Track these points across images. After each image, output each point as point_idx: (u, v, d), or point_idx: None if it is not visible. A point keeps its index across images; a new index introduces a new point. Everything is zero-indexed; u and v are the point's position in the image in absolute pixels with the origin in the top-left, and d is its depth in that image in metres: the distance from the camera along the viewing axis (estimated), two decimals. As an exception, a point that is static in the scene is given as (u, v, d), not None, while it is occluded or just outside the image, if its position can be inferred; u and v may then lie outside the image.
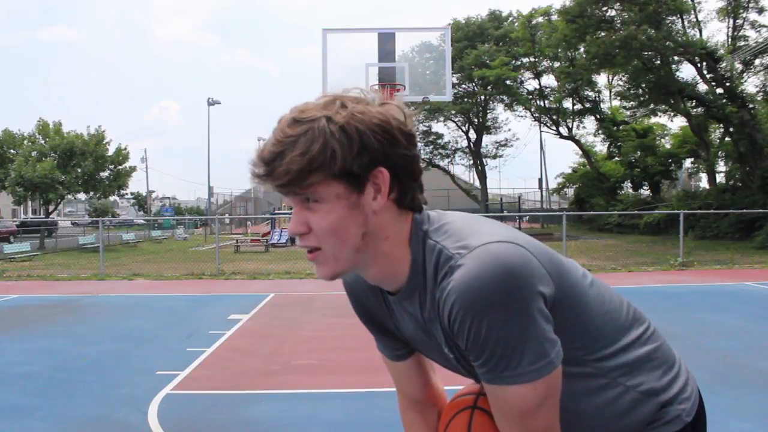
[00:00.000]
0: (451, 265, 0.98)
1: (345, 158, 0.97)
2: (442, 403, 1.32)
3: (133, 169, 29.90)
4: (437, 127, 38.69)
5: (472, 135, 38.23)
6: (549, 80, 35.94)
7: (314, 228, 1.00)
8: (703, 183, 34.46)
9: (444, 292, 0.98)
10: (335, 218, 1.00)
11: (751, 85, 33.04)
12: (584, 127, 38.05)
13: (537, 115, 36.59)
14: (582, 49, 27.05)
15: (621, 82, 31.94)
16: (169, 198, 75.80)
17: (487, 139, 39.02)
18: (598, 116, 35.74)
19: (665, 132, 35.95)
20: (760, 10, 23.41)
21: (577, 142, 36.89)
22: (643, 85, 26.69)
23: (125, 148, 28.99)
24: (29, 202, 42.29)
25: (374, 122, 0.99)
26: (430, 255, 1.03)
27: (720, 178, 28.76)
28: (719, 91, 23.89)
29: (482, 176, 38.45)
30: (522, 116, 37.92)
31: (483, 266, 0.95)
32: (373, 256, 1.04)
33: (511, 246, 0.98)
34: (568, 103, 35.62)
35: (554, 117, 35.80)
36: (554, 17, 29.36)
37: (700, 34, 24.29)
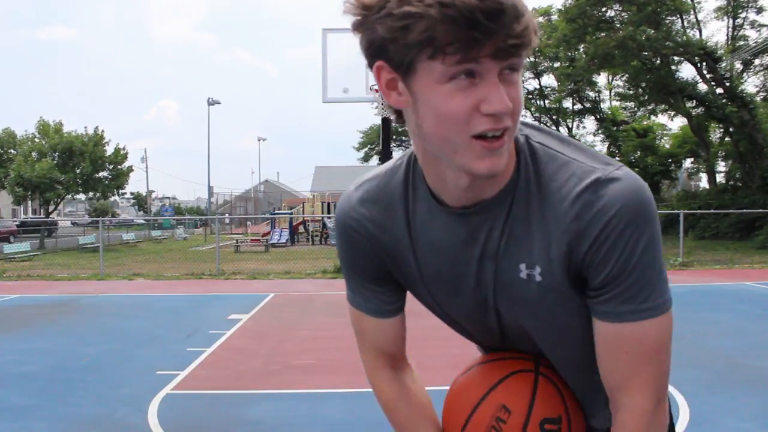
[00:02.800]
0: (599, 177, 0.88)
1: None
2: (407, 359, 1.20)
3: (130, 169, 29.93)
4: (437, 127, 38.73)
5: (472, 135, 38.25)
6: (549, 80, 35.97)
7: (515, 103, 0.84)
8: (703, 183, 34.51)
9: (597, 204, 0.87)
10: (521, 91, 0.87)
11: (751, 84, 33.06)
12: (584, 127, 38.15)
13: (537, 114, 36.61)
14: (582, 50, 27.08)
15: (621, 82, 31.98)
16: (169, 198, 75.81)
17: (487, 139, 39.05)
18: (598, 116, 35.76)
19: (665, 132, 35.99)
20: (759, 10, 23.45)
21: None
22: (643, 85, 26.71)
23: (123, 148, 29.03)
24: (29, 202, 42.31)
25: None
26: (546, 163, 0.92)
27: (720, 178, 28.78)
28: (719, 91, 23.91)
29: (482, 176, 38.45)
30: (522, 116, 37.97)
31: (638, 182, 0.89)
32: None
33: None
34: (568, 103, 35.66)
35: (554, 117, 35.82)
36: (554, 17, 29.38)
37: (700, 34, 24.32)
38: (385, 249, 1.04)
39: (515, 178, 0.92)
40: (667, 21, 23.47)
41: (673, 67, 25.12)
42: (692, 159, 33.91)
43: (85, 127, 29.43)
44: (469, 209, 0.94)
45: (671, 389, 4.73)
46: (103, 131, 28.20)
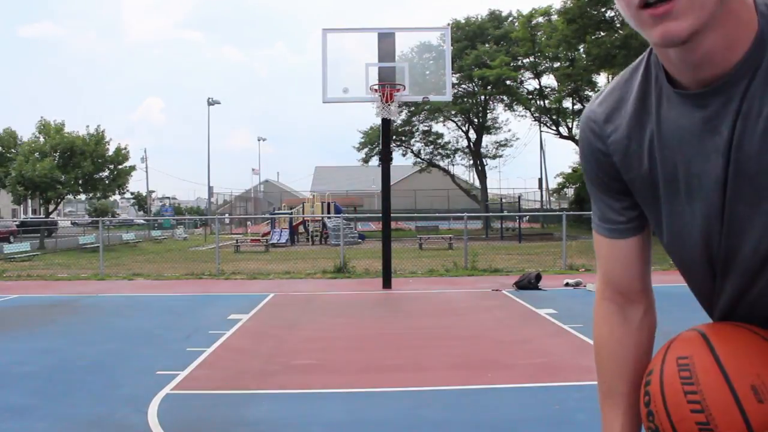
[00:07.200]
0: None
1: None
2: (648, 302, 1.08)
3: (132, 168, 29.90)
4: (437, 127, 38.75)
5: (472, 135, 38.25)
6: (549, 80, 35.97)
7: None
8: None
9: None
10: None
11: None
12: (584, 127, 38.01)
13: (537, 115, 36.61)
14: (582, 50, 27.08)
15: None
16: (169, 198, 75.81)
17: (487, 139, 39.07)
18: (598, 116, 35.70)
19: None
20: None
21: (577, 142, 36.87)
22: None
23: (125, 148, 29.00)
24: (29, 202, 42.31)
25: None
26: None
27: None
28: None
29: (482, 176, 38.46)
30: (522, 116, 37.93)
31: None
32: (724, 14, 0.78)
33: None
34: (568, 103, 35.64)
35: (554, 117, 35.82)
36: (554, 17, 29.39)
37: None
38: (618, 148, 0.96)
39: (758, 43, 0.79)
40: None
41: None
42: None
43: (87, 126, 29.37)
44: (709, 86, 0.82)
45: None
46: (104, 130, 28.20)
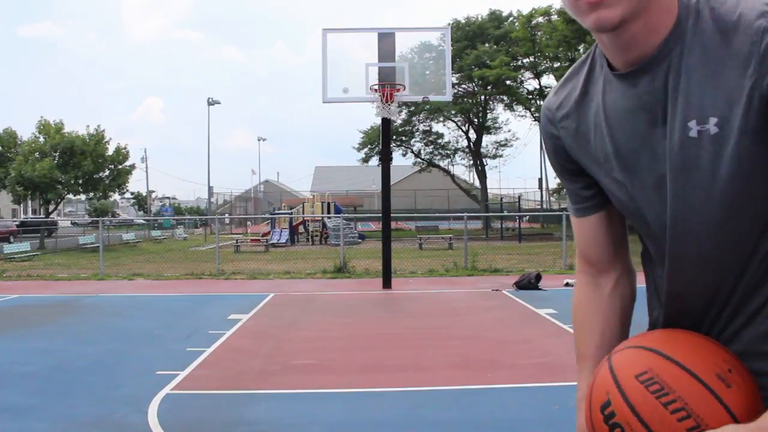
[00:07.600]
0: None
1: None
2: (620, 272, 1.17)
3: (132, 167, 29.87)
4: (437, 127, 38.74)
5: (472, 135, 38.25)
6: (549, 80, 35.96)
7: None
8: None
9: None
10: None
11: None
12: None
13: (537, 115, 36.60)
14: (582, 50, 27.07)
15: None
16: (169, 198, 75.78)
17: (487, 139, 39.05)
18: (598, 116, 35.67)
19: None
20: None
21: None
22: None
23: (125, 147, 28.99)
24: (29, 202, 42.32)
25: None
26: (706, 9, 0.86)
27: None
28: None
29: (482, 176, 38.47)
30: (522, 116, 37.94)
31: None
32: (649, 2, 0.86)
33: None
34: (568, 103, 35.64)
35: (554, 117, 35.79)
36: (554, 17, 29.38)
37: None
38: (568, 132, 1.06)
39: (677, 28, 0.88)
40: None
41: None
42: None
43: (87, 126, 29.35)
44: (635, 67, 0.91)
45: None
46: (104, 130, 28.18)
